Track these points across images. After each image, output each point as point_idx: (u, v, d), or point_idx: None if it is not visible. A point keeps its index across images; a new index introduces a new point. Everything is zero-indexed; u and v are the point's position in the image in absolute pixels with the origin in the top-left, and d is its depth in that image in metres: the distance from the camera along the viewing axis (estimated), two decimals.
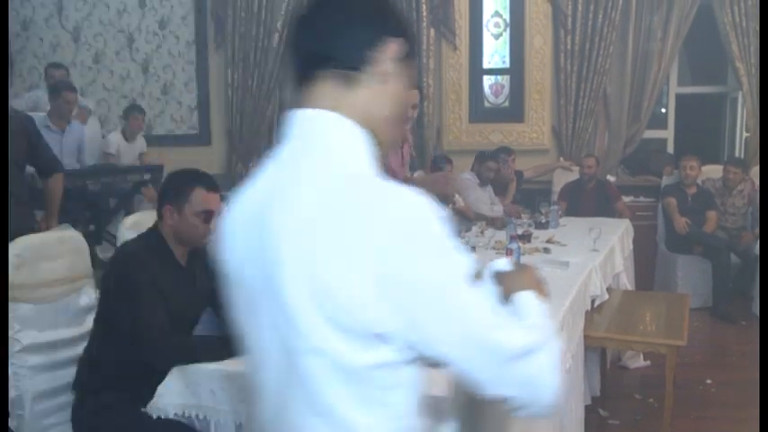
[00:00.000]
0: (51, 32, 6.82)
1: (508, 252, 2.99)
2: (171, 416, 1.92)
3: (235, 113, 6.55)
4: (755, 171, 5.47)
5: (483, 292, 0.95)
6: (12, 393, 2.13)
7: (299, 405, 0.97)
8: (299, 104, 1.02)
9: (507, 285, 1.07)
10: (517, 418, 1.06)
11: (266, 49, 6.36)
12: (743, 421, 3.27)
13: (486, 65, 6.38)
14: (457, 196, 4.58)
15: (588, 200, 5.57)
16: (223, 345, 2.03)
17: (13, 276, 2.15)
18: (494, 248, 3.53)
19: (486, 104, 6.44)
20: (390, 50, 1.00)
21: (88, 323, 2.31)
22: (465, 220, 4.52)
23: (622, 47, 5.92)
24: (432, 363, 0.96)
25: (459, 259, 0.92)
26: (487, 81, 6.42)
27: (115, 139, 5.81)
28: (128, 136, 5.90)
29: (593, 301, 3.10)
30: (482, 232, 3.97)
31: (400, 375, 0.95)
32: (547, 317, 1.02)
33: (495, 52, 6.39)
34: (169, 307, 2.07)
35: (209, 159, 6.22)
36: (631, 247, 4.59)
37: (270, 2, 6.30)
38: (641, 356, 3.97)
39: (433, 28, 6.18)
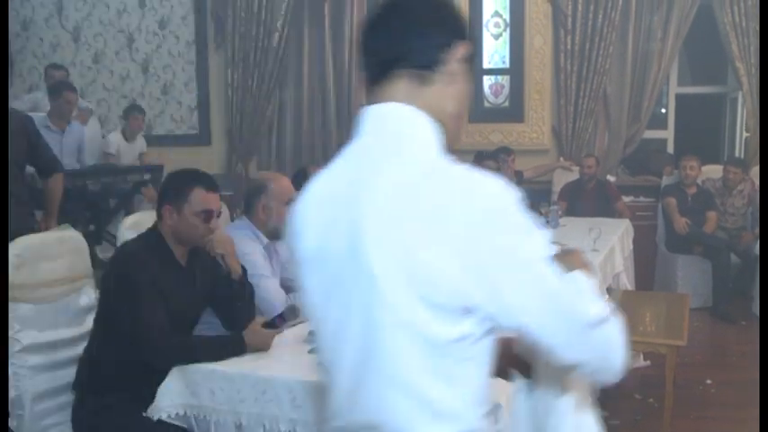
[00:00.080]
0: (51, 32, 6.82)
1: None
2: (171, 416, 1.92)
3: (235, 113, 6.55)
4: (755, 171, 5.46)
5: (557, 266, 1.01)
6: (12, 393, 2.13)
7: (379, 379, 1.02)
8: (372, 102, 1.10)
9: (561, 265, 1.12)
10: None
11: (266, 49, 6.35)
12: (743, 421, 3.26)
13: (485, 65, 6.36)
14: None
15: (588, 200, 5.56)
16: (223, 345, 2.05)
17: (13, 276, 2.16)
18: None
19: (486, 104, 6.42)
20: (458, 52, 1.08)
21: (88, 323, 2.31)
22: None
23: (622, 47, 5.91)
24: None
25: (539, 234, 1.00)
26: (487, 81, 6.40)
27: (115, 139, 5.81)
28: (128, 136, 5.90)
29: None
30: None
31: (475, 348, 1.01)
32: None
33: (495, 52, 6.38)
34: (169, 307, 2.07)
35: (209, 159, 6.22)
36: (631, 247, 4.59)
37: (270, 2, 6.29)
38: (641, 356, 3.96)
39: None
